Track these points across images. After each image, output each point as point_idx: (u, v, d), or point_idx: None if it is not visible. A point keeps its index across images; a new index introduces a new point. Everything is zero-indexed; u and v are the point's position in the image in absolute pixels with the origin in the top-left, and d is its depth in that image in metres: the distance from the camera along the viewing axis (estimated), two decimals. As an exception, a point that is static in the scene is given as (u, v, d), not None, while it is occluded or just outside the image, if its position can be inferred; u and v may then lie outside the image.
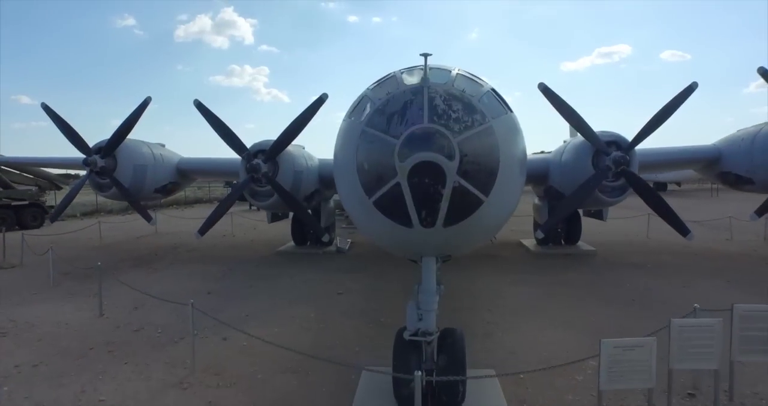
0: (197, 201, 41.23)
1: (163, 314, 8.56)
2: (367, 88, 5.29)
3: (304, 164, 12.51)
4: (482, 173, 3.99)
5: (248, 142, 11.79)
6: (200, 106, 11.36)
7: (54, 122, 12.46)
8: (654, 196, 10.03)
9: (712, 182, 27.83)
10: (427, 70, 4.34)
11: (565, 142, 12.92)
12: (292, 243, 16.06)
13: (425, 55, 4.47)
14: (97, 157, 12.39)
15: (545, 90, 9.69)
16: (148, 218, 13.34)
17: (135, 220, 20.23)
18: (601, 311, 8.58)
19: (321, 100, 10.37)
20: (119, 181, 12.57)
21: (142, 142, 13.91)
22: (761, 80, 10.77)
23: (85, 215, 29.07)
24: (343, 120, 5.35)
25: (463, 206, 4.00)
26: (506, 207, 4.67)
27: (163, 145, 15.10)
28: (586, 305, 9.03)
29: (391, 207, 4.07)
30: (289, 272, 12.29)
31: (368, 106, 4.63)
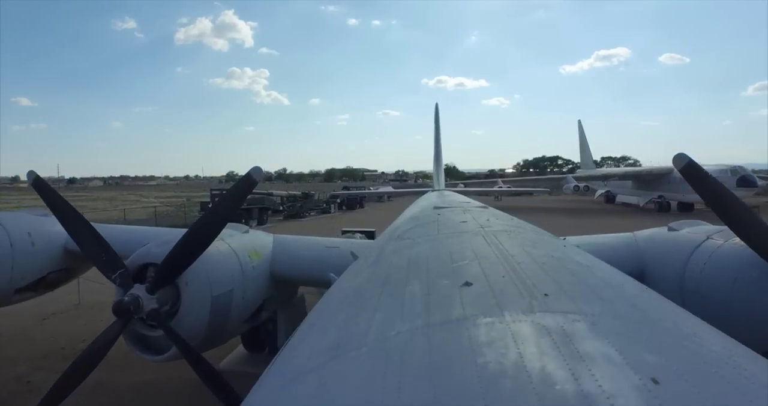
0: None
1: None
2: None
3: (237, 273, 7.26)
4: None
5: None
6: (38, 183, 6.39)
7: None
8: None
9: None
10: None
11: (672, 230, 7.76)
12: (242, 350, 10.95)
13: None
14: None
15: (687, 167, 4.74)
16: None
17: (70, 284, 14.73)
18: None
19: None
20: None
21: (-9, 219, 8.82)
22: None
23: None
24: None
25: None
26: None
27: (46, 215, 10.01)
28: None
29: None
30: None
31: None
